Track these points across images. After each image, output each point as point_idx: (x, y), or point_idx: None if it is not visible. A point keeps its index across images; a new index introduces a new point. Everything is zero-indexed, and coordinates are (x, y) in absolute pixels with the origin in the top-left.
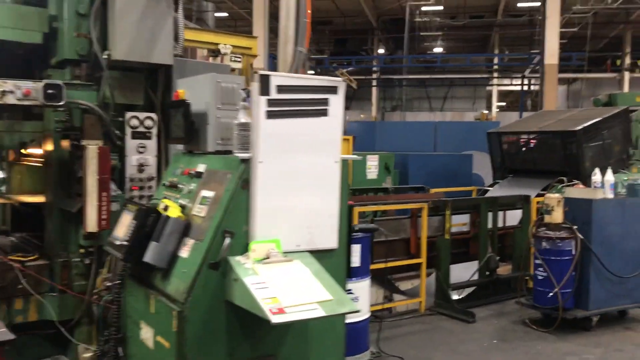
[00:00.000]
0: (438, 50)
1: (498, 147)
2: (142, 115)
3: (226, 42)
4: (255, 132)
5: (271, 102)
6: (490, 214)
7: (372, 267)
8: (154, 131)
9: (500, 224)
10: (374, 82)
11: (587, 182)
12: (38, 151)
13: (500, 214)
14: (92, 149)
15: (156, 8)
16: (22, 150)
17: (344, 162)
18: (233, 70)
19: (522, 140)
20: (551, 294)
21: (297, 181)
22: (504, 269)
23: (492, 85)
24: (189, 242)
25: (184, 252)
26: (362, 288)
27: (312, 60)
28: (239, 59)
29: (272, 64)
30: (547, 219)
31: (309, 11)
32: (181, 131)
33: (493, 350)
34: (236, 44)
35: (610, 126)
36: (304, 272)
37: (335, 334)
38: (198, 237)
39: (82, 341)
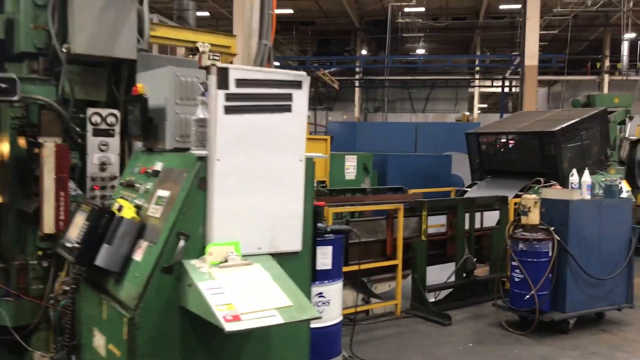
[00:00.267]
0: (420, 51)
1: (476, 148)
2: (104, 111)
3: (204, 41)
4: (212, 128)
5: (230, 97)
6: (467, 215)
7: (348, 269)
8: (117, 128)
9: (477, 225)
10: (357, 83)
11: (565, 183)
12: None
13: (478, 215)
14: (49, 146)
15: (119, 0)
16: None
17: (310, 161)
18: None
19: (500, 141)
20: (528, 296)
21: (258, 180)
22: (482, 271)
23: (473, 86)
24: (143, 244)
25: (138, 255)
26: (335, 291)
27: (294, 60)
28: (217, 58)
29: None
30: (523, 220)
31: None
32: (138, 128)
33: (468, 354)
34: (215, 43)
35: (588, 127)
36: (264, 277)
37: (298, 340)
38: (152, 239)
39: (39, 348)
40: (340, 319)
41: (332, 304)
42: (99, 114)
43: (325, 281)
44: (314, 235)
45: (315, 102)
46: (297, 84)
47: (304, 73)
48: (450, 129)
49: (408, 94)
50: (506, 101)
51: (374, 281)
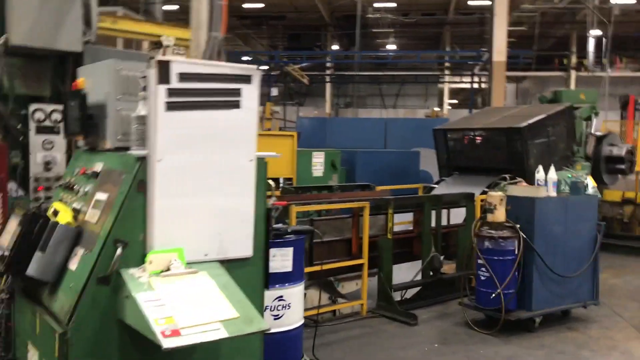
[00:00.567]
0: (391, 47)
1: (444, 144)
2: (48, 107)
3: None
4: (152, 127)
5: (172, 92)
6: (433, 213)
7: (312, 269)
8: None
9: (444, 223)
10: (327, 79)
11: (532, 179)
12: None
13: (445, 212)
14: None
15: None
16: None
17: (261, 161)
18: None
19: (467, 137)
20: (494, 295)
21: (205, 182)
22: (449, 268)
23: (443, 82)
24: (80, 252)
25: (73, 264)
26: (295, 294)
27: (264, 55)
28: (182, 52)
29: None
30: (489, 217)
31: None
32: (77, 125)
33: (433, 356)
34: (180, 36)
35: (555, 123)
36: (210, 286)
37: (250, 349)
38: (88, 246)
39: None
40: (301, 322)
41: (292, 307)
42: (43, 110)
43: (286, 284)
44: (267, 239)
45: (286, 97)
46: (246, 79)
47: (254, 67)
48: (420, 124)
49: (379, 90)
50: (476, 97)
51: (341, 280)
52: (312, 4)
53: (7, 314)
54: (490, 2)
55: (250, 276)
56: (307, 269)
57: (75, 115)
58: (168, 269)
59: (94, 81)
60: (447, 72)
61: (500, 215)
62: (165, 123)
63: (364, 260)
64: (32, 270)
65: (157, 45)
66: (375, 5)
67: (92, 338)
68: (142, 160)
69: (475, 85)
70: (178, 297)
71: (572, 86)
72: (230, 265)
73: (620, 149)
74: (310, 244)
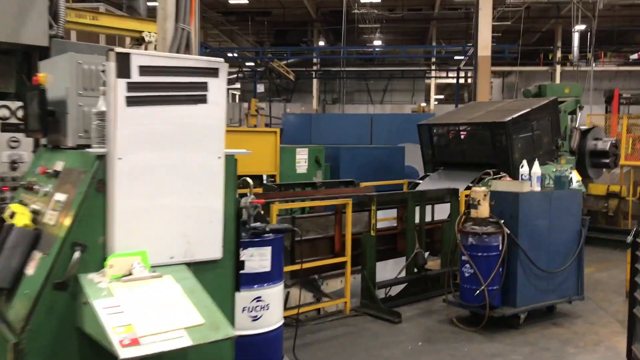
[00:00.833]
0: (377, 43)
1: (429, 139)
2: (14, 104)
3: (151, 30)
4: (111, 123)
5: (132, 86)
6: (417, 209)
7: (292, 268)
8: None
9: (429, 219)
10: (314, 75)
11: (516, 173)
12: None
13: (429, 208)
14: None
15: None
16: None
17: (231, 158)
18: None
19: (452, 132)
20: (478, 291)
21: (169, 181)
22: (434, 264)
23: (429, 77)
24: (37, 256)
25: (31, 269)
26: (274, 294)
27: (250, 51)
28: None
29: (203, 55)
30: (473, 213)
31: None
32: (37, 122)
33: (417, 355)
34: None
35: (539, 117)
36: (174, 291)
37: (219, 357)
38: (45, 250)
39: None
40: (281, 323)
41: (271, 308)
42: (8, 107)
43: (265, 284)
44: (237, 240)
45: (272, 93)
46: (213, 72)
47: (221, 59)
48: (406, 120)
49: (366, 86)
50: (462, 92)
51: (325, 278)
52: (297, 0)
53: None
54: None
55: (220, 279)
56: (289, 268)
57: (35, 112)
58: (130, 274)
59: (54, 76)
60: (433, 67)
61: (484, 210)
62: (126, 119)
63: (347, 258)
64: None
65: (138, 41)
66: (362, 0)
67: (48, 348)
68: (102, 158)
69: (462, 81)
70: (139, 304)
71: (557, 80)
72: (198, 268)
73: (605, 142)
74: (291, 243)
